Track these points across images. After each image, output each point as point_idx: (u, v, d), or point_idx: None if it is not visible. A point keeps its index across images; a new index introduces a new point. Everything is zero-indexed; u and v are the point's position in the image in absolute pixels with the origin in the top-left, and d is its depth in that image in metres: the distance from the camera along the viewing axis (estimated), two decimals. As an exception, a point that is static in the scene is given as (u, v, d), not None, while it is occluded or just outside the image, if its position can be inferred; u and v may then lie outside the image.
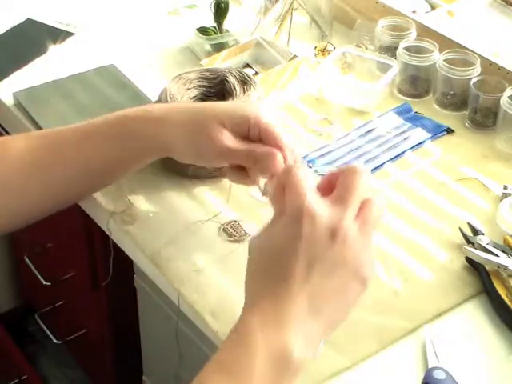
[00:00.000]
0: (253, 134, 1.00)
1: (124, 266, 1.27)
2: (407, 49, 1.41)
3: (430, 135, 1.33)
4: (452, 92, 1.37)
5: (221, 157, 1.02)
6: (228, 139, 1.00)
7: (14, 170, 1.04)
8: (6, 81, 1.44)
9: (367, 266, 0.82)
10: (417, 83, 1.41)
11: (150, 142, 1.04)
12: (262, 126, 0.99)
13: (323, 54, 1.49)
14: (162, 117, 1.04)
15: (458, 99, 1.38)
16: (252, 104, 1.17)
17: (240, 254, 1.10)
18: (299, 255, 0.79)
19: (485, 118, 1.34)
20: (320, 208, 0.81)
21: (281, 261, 0.80)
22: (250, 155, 0.99)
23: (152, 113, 1.05)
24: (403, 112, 1.38)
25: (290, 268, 0.80)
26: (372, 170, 1.26)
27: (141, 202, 1.18)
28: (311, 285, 0.79)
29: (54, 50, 1.52)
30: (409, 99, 1.41)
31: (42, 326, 1.76)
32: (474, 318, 1.03)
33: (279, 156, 0.96)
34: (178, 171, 1.21)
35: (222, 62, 1.44)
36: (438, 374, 0.93)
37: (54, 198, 1.08)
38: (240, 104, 1.17)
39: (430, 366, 0.95)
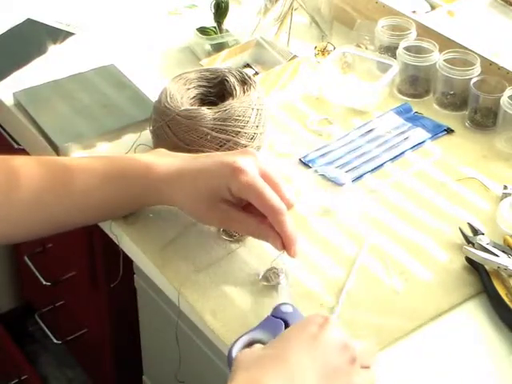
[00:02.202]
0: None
1: (124, 265, 1.27)
2: (407, 49, 1.41)
3: (430, 135, 1.33)
4: (452, 92, 1.37)
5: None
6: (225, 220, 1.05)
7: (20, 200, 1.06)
8: (5, 81, 1.44)
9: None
10: (417, 83, 1.41)
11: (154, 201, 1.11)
12: (246, 193, 1.01)
13: (323, 54, 1.49)
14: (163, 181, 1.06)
15: (458, 99, 1.38)
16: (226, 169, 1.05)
17: (240, 254, 1.10)
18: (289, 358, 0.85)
19: (485, 118, 1.34)
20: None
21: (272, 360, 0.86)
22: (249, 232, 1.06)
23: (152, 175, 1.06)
24: (403, 112, 1.38)
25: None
26: (372, 170, 1.26)
27: (141, 202, 1.17)
28: None
29: (53, 50, 1.52)
30: (409, 99, 1.41)
31: (42, 325, 1.76)
32: (474, 318, 1.03)
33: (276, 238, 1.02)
34: (178, 171, 1.21)
35: (222, 62, 1.44)
36: (286, 308, 0.95)
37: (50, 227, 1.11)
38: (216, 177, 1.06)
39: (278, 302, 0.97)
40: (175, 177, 1.05)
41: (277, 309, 0.96)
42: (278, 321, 0.94)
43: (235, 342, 0.91)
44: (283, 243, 1.01)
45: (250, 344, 0.91)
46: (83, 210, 1.08)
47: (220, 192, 1.02)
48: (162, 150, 1.11)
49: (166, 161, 1.07)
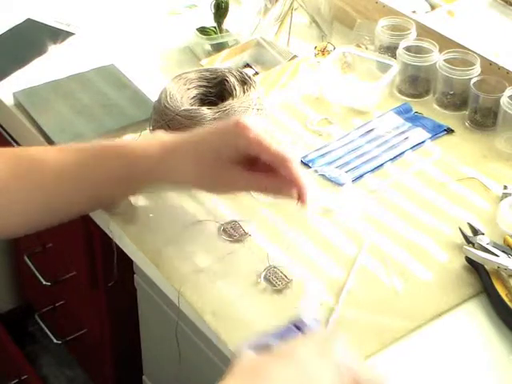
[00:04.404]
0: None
1: (124, 265, 1.27)
2: (407, 49, 1.41)
3: (430, 135, 1.33)
4: (452, 92, 1.37)
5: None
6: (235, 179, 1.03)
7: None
8: (5, 81, 1.44)
9: None
10: (417, 83, 1.41)
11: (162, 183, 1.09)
12: (253, 147, 1.00)
13: (323, 54, 1.49)
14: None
15: (458, 99, 1.38)
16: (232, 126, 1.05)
17: (240, 254, 1.10)
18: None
19: (485, 118, 1.34)
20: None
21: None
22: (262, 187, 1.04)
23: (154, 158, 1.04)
24: (403, 112, 1.38)
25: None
26: (372, 170, 1.26)
27: (141, 202, 1.18)
28: None
29: (53, 50, 1.52)
30: (409, 99, 1.41)
31: (42, 326, 1.76)
32: (474, 318, 1.03)
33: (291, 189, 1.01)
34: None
35: (221, 62, 1.44)
36: (308, 321, 0.91)
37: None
38: (221, 134, 1.05)
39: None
40: (176, 147, 1.04)
41: (299, 319, 0.94)
42: (298, 332, 0.92)
43: (248, 341, 0.89)
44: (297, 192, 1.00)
45: (262, 347, 0.89)
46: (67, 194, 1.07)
47: (226, 153, 1.01)
48: (158, 132, 1.10)
49: (160, 138, 1.07)
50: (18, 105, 1.37)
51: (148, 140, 1.09)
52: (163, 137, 1.07)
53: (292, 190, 1.00)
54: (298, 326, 0.91)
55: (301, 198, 1.01)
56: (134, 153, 1.05)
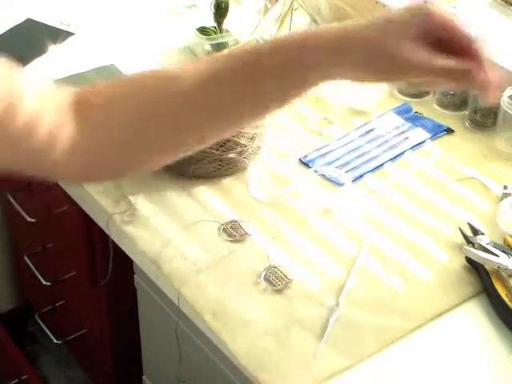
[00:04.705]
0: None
1: (124, 265, 1.27)
2: (407, 49, 1.41)
3: (430, 135, 1.33)
4: (452, 92, 1.37)
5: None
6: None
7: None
8: (5, 81, 1.44)
9: None
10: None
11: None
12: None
13: (323, 54, 1.49)
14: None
15: (457, 99, 1.37)
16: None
17: (240, 254, 1.10)
18: None
19: (485, 118, 1.34)
20: None
21: None
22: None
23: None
24: (403, 112, 1.38)
25: None
26: (372, 170, 1.26)
27: (141, 202, 1.18)
28: None
29: (53, 50, 1.52)
30: (409, 99, 1.41)
31: (42, 326, 1.76)
32: (474, 318, 1.03)
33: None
34: (178, 171, 1.21)
35: (221, 62, 1.43)
36: None
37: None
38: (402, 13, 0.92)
39: None
40: (348, 27, 0.90)
41: None
42: None
43: None
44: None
45: None
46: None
47: (415, 27, 0.88)
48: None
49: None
50: (18, 105, 1.37)
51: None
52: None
53: (480, 72, 0.86)
54: None
55: (485, 84, 0.87)
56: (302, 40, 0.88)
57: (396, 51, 0.88)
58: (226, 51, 0.93)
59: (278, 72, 0.89)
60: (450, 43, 0.90)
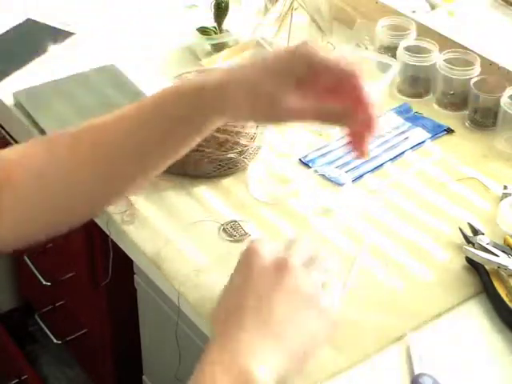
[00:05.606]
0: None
1: (124, 265, 1.27)
2: (407, 49, 1.41)
3: (430, 135, 1.33)
4: (452, 92, 1.37)
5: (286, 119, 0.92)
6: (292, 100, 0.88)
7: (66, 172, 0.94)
8: (5, 81, 1.44)
9: (321, 296, 0.84)
10: (417, 83, 1.41)
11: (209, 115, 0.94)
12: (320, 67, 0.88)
13: (323, 54, 1.49)
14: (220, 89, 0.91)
15: (457, 99, 1.37)
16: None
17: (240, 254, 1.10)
18: (249, 288, 0.83)
19: (485, 118, 1.34)
20: (264, 245, 0.86)
21: (236, 297, 0.84)
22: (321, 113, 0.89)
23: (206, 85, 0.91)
24: (403, 112, 1.38)
25: (242, 300, 0.83)
26: (372, 169, 1.26)
27: (141, 202, 1.18)
28: (263, 313, 0.81)
29: (53, 50, 1.52)
30: (409, 99, 1.41)
31: (42, 326, 1.76)
32: (474, 318, 1.03)
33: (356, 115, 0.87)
34: (178, 171, 1.21)
35: (222, 62, 1.44)
36: (425, 381, 0.93)
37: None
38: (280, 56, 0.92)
39: (415, 373, 0.94)
40: (235, 69, 0.92)
41: (416, 381, 0.94)
42: None
43: None
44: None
45: None
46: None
47: (296, 69, 0.88)
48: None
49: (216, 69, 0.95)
50: (18, 105, 1.37)
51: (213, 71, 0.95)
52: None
53: (357, 112, 0.87)
54: None
55: (367, 123, 0.87)
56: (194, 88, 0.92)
57: (274, 95, 0.89)
58: (136, 104, 0.98)
59: (181, 121, 0.93)
60: (329, 83, 0.89)
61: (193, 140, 0.96)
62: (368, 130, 0.87)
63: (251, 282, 0.84)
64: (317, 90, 0.89)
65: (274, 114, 0.90)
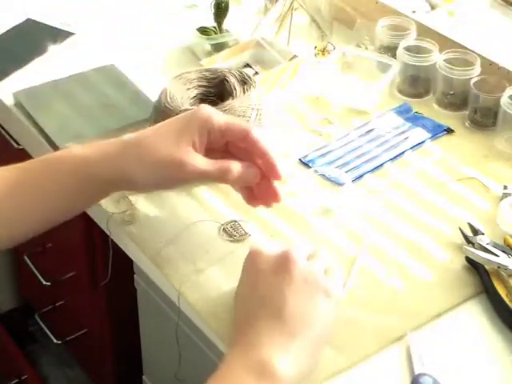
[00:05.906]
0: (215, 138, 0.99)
1: (124, 265, 1.27)
2: (407, 49, 1.41)
3: (430, 135, 1.33)
4: (452, 92, 1.37)
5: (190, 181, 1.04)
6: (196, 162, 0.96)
7: None
8: (5, 81, 1.44)
9: (325, 279, 0.91)
10: (417, 83, 1.41)
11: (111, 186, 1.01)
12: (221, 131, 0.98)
13: (323, 54, 1.49)
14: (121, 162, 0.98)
15: (457, 99, 1.37)
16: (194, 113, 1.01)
17: (240, 253, 1.10)
18: (260, 289, 0.90)
19: (485, 118, 1.34)
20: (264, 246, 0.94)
21: (249, 301, 0.91)
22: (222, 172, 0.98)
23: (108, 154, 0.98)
24: (403, 112, 1.38)
25: (255, 303, 0.89)
26: (372, 170, 1.26)
27: (141, 202, 1.18)
28: (279, 309, 0.87)
29: (53, 50, 1.52)
30: (409, 99, 1.41)
31: (42, 326, 1.76)
32: (474, 318, 1.03)
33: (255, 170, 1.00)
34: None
35: (222, 62, 1.44)
36: (425, 381, 0.93)
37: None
38: (185, 122, 1.00)
39: (416, 373, 0.95)
40: (133, 141, 0.98)
41: (416, 381, 0.94)
42: None
43: None
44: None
45: None
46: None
47: (197, 135, 0.96)
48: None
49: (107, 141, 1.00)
50: (18, 105, 1.37)
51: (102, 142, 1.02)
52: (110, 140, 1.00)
53: (257, 168, 0.99)
54: None
55: (271, 172, 0.99)
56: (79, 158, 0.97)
57: (174, 157, 0.95)
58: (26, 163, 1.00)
59: (71, 189, 0.99)
60: (230, 143, 0.99)
61: (83, 206, 1.04)
62: (273, 176, 1.00)
63: (261, 283, 0.90)
64: (219, 150, 0.99)
65: (178, 175, 0.97)
